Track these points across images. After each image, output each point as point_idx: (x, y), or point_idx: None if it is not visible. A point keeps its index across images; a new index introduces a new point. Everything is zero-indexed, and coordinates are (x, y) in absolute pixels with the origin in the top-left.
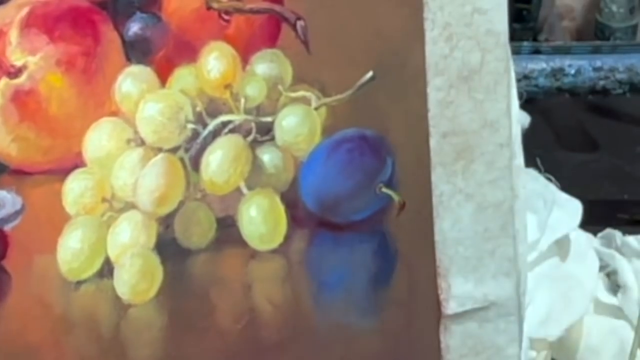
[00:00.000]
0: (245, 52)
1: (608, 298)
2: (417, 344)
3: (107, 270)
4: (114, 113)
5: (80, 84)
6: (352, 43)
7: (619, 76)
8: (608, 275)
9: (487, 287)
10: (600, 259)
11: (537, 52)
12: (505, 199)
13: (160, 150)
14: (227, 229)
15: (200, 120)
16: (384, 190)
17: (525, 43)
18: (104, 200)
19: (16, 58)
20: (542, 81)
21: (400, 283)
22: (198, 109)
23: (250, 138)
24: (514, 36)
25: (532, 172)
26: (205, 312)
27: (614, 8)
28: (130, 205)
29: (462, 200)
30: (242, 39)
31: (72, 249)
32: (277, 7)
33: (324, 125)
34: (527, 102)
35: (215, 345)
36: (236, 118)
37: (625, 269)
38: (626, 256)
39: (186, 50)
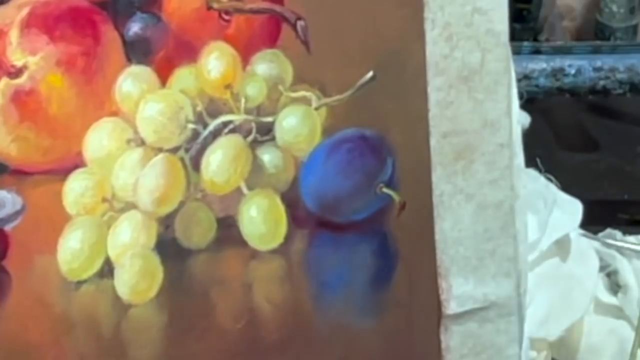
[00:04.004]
0: (245, 52)
1: (608, 298)
2: (417, 344)
3: (107, 270)
4: (114, 113)
5: (81, 84)
6: (353, 43)
7: (619, 76)
8: (608, 275)
9: (488, 287)
10: (601, 259)
11: (537, 52)
12: (505, 199)
13: (160, 150)
14: (228, 229)
15: (200, 120)
16: (384, 190)
17: (525, 43)
18: (104, 200)
19: (16, 58)
20: (542, 81)
21: (400, 283)
22: (198, 109)
23: (250, 138)
24: (514, 36)
25: (532, 172)
26: (205, 312)
27: (614, 8)
28: (131, 205)
29: (462, 200)
30: (242, 39)
31: (72, 249)
32: (277, 7)
33: (324, 125)
34: (528, 102)
35: (215, 345)
36: (236, 118)
37: (626, 269)
38: (626, 256)
39: (186, 51)
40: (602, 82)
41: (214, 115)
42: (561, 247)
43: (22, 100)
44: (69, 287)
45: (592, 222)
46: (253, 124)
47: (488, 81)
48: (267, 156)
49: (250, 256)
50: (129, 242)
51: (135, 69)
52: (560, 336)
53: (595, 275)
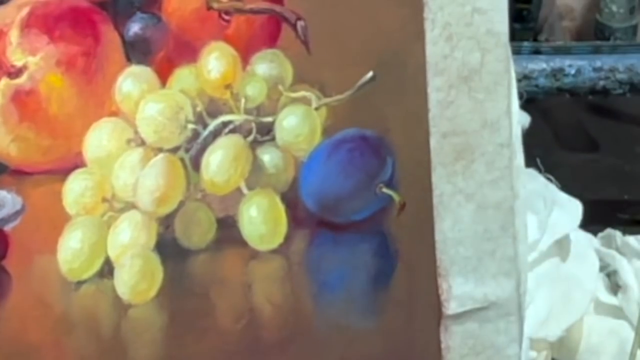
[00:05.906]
0: (245, 52)
1: (608, 298)
2: (417, 344)
3: (107, 270)
4: (114, 113)
5: (81, 84)
6: (353, 43)
7: (619, 76)
8: (608, 275)
9: (488, 287)
10: (601, 259)
11: (537, 52)
12: (505, 199)
13: (160, 150)
14: (228, 229)
15: (200, 120)
16: (384, 190)
17: (525, 43)
18: (104, 200)
19: (16, 58)
20: (542, 81)
21: (400, 283)
22: (198, 109)
23: (250, 138)
24: (514, 36)
25: (532, 172)
26: (205, 312)
27: (614, 8)
28: (131, 206)
29: (462, 200)
30: (242, 39)
31: (72, 249)
32: (277, 8)
33: (324, 125)
34: (527, 102)
35: (215, 345)
36: (236, 118)
37: (626, 269)
38: (626, 256)
39: (186, 51)
40: (602, 82)
41: (214, 115)
42: (561, 247)
43: (22, 100)
44: (69, 287)
45: (592, 222)
46: (253, 124)
47: (488, 81)
48: (267, 156)
49: (250, 256)
50: (129, 242)
51: (135, 69)
52: (560, 336)
53: (595, 275)
